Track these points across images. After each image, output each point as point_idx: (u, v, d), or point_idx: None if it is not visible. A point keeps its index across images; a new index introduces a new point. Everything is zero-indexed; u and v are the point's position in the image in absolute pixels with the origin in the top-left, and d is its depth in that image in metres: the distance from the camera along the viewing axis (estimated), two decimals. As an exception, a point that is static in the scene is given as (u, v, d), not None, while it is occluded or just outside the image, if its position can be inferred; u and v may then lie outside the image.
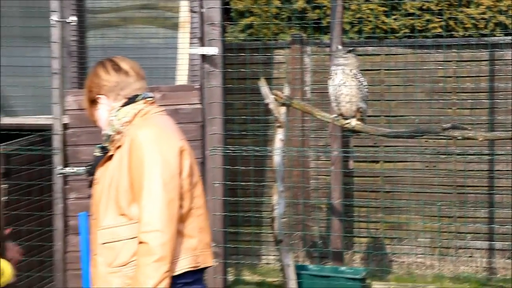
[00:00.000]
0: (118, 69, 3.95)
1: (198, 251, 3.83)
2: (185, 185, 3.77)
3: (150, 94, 3.99)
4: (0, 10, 8.96)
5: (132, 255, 3.71)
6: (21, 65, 9.36)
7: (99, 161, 3.90)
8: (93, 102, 4.00)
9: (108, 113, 3.93)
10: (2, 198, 8.00)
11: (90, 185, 3.97)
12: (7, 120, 9.08)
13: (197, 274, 3.85)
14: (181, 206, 3.74)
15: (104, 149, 3.90)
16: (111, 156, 3.85)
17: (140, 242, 3.64)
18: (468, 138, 7.69)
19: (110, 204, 3.79)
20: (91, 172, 3.97)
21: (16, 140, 8.51)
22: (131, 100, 3.91)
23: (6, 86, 9.84)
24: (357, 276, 9.38)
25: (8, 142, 8.37)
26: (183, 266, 3.75)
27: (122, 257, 3.74)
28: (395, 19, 11.23)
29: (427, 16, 11.15)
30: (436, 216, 10.37)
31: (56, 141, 6.87)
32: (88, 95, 4.03)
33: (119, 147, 3.82)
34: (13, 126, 8.66)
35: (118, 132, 3.83)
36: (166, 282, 3.64)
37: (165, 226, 3.64)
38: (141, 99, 3.92)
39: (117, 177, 3.78)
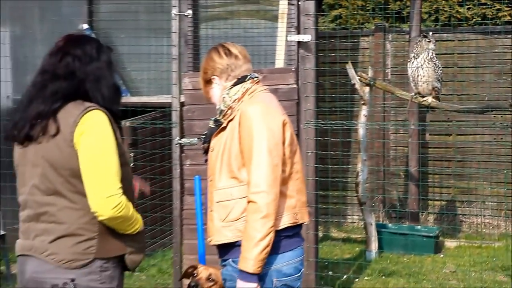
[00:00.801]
0: (229, 53, 3.99)
1: (296, 209, 3.86)
2: (286, 153, 3.81)
3: (256, 75, 4.01)
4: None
5: (242, 212, 3.77)
6: (146, 53, 9.55)
7: (213, 132, 3.96)
8: (207, 82, 4.05)
9: (220, 92, 3.96)
10: (131, 164, 8.20)
11: (205, 152, 4.03)
12: (133, 99, 9.32)
13: (296, 228, 3.89)
14: (283, 171, 3.77)
15: (218, 122, 3.93)
16: (224, 128, 3.89)
17: (249, 201, 3.70)
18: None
19: (223, 168, 3.85)
20: (205, 141, 4.04)
21: (141, 115, 8.72)
22: (240, 80, 3.93)
23: (133, 70, 10.04)
24: (431, 234, 9.35)
25: (134, 117, 8.57)
26: (284, 222, 3.79)
27: (234, 214, 3.81)
28: (468, 8, 11.08)
29: (498, 6, 10.96)
30: (502, 182, 10.25)
31: (174, 116, 6.96)
32: (203, 76, 4.06)
33: (230, 120, 3.86)
34: (138, 104, 8.88)
35: (230, 108, 3.87)
36: (271, 235, 3.69)
37: (270, 187, 3.69)
38: (249, 79, 3.94)
39: (229, 145, 3.83)
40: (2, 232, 7.87)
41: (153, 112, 8.84)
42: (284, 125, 3.80)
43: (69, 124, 3.46)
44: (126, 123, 8.28)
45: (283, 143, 3.79)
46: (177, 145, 6.94)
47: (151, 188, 7.86)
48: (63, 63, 3.58)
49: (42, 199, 3.54)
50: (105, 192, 3.43)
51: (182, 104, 6.95)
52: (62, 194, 3.51)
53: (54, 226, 3.52)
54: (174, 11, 6.94)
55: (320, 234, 9.07)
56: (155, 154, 8.34)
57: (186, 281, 4.67)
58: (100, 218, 3.46)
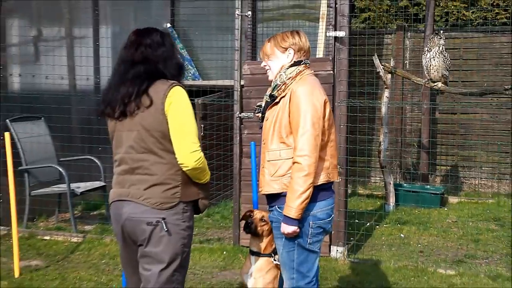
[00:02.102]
0: (297, 34, 4.02)
1: (330, 170, 3.87)
2: (325, 125, 3.82)
3: (308, 61, 3.99)
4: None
5: (287, 170, 3.78)
6: (215, 46, 9.60)
7: (268, 105, 3.95)
8: (267, 55, 4.01)
9: (279, 68, 3.94)
10: (201, 133, 8.24)
11: (262, 120, 4.03)
12: (204, 83, 9.45)
13: (328, 184, 3.89)
14: (322, 139, 3.77)
15: (272, 97, 3.92)
16: (277, 102, 3.88)
17: (295, 162, 3.72)
18: (523, 96, 7.65)
19: (275, 134, 3.85)
20: (261, 112, 4.02)
21: (210, 95, 8.78)
22: (296, 63, 3.93)
23: (204, 60, 10.10)
24: (438, 192, 9.31)
25: (205, 96, 8.63)
26: (320, 180, 3.80)
27: (281, 171, 3.81)
28: (472, 12, 10.97)
29: (496, 10, 10.82)
30: (496, 152, 10.23)
31: (236, 96, 6.97)
32: (282, 43, 3.96)
33: (283, 97, 3.85)
34: (208, 86, 8.95)
35: (284, 83, 3.86)
36: (311, 190, 3.71)
37: (312, 152, 3.70)
38: (303, 64, 3.94)
39: (281, 117, 3.82)
40: (103, 184, 8.00)
41: (219, 92, 8.89)
42: (325, 103, 3.84)
43: (160, 97, 3.58)
44: (198, 100, 8.35)
45: (323, 117, 3.81)
46: (237, 118, 6.96)
47: (217, 151, 7.96)
48: (138, 52, 3.71)
49: (137, 156, 3.65)
50: (190, 148, 3.58)
51: (241, 86, 6.97)
52: (154, 152, 3.62)
53: (147, 177, 3.63)
54: (237, 12, 6.93)
55: (349, 191, 9.06)
56: (220, 125, 8.38)
57: (243, 223, 4.71)
58: (185, 169, 3.60)
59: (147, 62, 3.67)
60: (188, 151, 3.56)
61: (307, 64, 3.97)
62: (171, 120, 3.57)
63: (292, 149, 3.76)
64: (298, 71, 3.89)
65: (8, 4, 8.12)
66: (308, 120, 3.71)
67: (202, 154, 3.61)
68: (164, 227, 3.57)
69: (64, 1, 9.27)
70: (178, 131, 3.57)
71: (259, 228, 4.54)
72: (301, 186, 3.67)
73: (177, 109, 3.58)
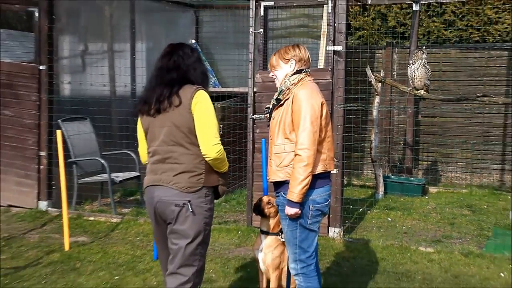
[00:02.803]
0: (297, 47, 4.04)
1: (326, 161, 3.87)
2: (322, 124, 3.82)
3: (308, 70, 4.00)
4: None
5: (290, 161, 3.79)
6: (232, 59, 9.60)
7: (275, 107, 3.97)
8: (273, 66, 4.03)
9: (283, 77, 3.96)
10: (220, 132, 8.25)
11: (269, 119, 4.05)
12: (223, 89, 9.44)
13: (325, 174, 3.89)
14: (319, 135, 3.78)
15: (278, 100, 3.94)
16: (282, 104, 3.90)
17: (296, 154, 3.73)
18: (492, 102, 7.54)
19: (280, 131, 3.87)
20: (269, 113, 4.04)
21: (228, 100, 8.78)
22: (298, 71, 3.94)
23: (223, 71, 10.12)
24: (420, 183, 9.28)
25: (224, 101, 8.64)
26: (318, 169, 3.81)
27: (285, 162, 3.82)
28: (450, 31, 10.89)
29: (470, 30, 10.77)
30: (469, 149, 10.17)
31: (249, 100, 6.99)
32: (284, 55, 3.99)
33: (287, 99, 3.87)
34: (226, 92, 8.98)
35: (288, 89, 3.88)
36: (310, 178, 3.72)
37: (310, 146, 3.71)
38: (304, 72, 3.95)
39: (285, 116, 3.84)
40: (138, 174, 8.05)
41: (235, 98, 8.90)
42: (322, 105, 3.84)
43: (187, 98, 3.66)
44: (218, 104, 8.35)
45: (321, 117, 3.82)
46: (251, 119, 6.98)
47: (234, 147, 7.99)
48: (171, 61, 3.79)
49: (167, 148, 3.71)
50: (212, 142, 3.64)
51: (254, 92, 6.98)
52: (182, 144, 3.68)
53: (176, 166, 3.69)
54: (251, 29, 6.95)
55: (345, 181, 9.00)
56: (236, 125, 8.38)
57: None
58: (207, 159, 3.66)
59: (178, 69, 3.74)
60: (211, 144, 3.61)
61: (307, 72, 3.99)
62: (196, 118, 3.63)
63: (294, 143, 3.77)
64: (300, 78, 3.90)
65: (60, 24, 8.17)
66: (308, 119, 3.72)
67: (222, 146, 3.67)
68: (190, 208, 3.62)
69: (106, 21, 9.32)
70: (202, 127, 3.62)
71: (266, 210, 4.57)
72: (301, 174, 3.69)
73: (201, 108, 3.63)
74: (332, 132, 4.04)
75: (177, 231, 3.67)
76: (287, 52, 3.99)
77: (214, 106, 3.78)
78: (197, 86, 3.71)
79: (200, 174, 3.66)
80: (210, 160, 3.64)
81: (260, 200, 4.67)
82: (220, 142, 3.66)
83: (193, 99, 3.63)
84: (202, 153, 3.63)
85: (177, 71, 3.73)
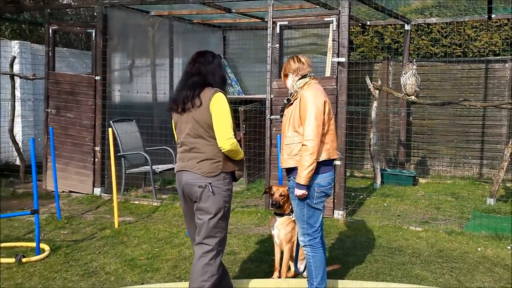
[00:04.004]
0: (299, 60, 3.99)
1: (329, 150, 3.85)
2: (325, 118, 3.79)
3: (313, 74, 3.98)
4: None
5: (299, 150, 3.78)
6: (253, 71, 9.60)
7: (286, 105, 3.96)
8: (285, 76, 4.03)
9: (291, 82, 3.95)
10: (243, 131, 8.24)
11: (281, 116, 4.04)
12: (246, 96, 9.38)
13: (329, 161, 3.86)
14: (322, 129, 3.76)
15: (289, 100, 3.93)
16: (291, 103, 3.89)
17: (303, 145, 3.72)
18: (472, 105, 7.46)
19: (290, 125, 3.86)
20: (282, 111, 4.03)
21: (249, 104, 8.76)
22: (304, 76, 3.92)
23: (245, 81, 10.11)
24: (411, 175, 9.20)
25: (246, 105, 8.62)
26: (322, 157, 3.79)
27: (295, 151, 3.81)
28: (436, 47, 10.79)
29: (454, 46, 10.66)
30: (453, 147, 10.05)
31: (267, 104, 6.97)
32: (284, 72, 4.04)
33: (295, 99, 3.86)
34: (248, 98, 8.95)
35: (296, 92, 3.87)
36: (314, 164, 3.70)
37: (314, 137, 3.69)
38: (308, 76, 3.93)
39: (294, 113, 3.83)
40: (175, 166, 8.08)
41: (256, 102, 8.89)
42: (324, 103, 3.80)
43: (207, 100, 3.63)
44: (241, 108, 8.36)
45: (324, 113, 3.77)
46: (269, 119, 6.96)
47: (254, 143, 7.97)
48: (195, 67, 3.78)
49: (192, 140, 3.70)
50: (226, 136, 3.61)
51: (271, 98, 6.96)
52: (203, 137, 3.66)
53: (199, 154, 3.68)
54: (269, 45, 6.94)
55: (348, 173, 9.00)
56: (256, 125, 8.35)
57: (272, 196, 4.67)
58: (223, 150, 3.63)
59: (199, 74, 3.73)
60: (225, 138, 3.60)
61: (312, 76, 3.96)
62: (213, 116, 3.62)
63: (301, 135, 3.75)
64: (305, 82, 3.88)
65: (112, 43, 8.25)
66: (312, 115, 3.70)
67: (235, 140, 3.65)
68: (210, 189, 3.63)
69: (149, 40, 9.39)
70: (218, 124, 3.62)
71: (281, 202, 4.52)
72: (307, 161, 3.68)
73: (218, 109, 3.62)
74: (335, 126, 4.01)
75: (201, 208, 3.69)
76: (285, 69, 4.03)
77: (238, 110, 3.78)
78: (216, 89, 3.69)
79: (218, 162, 3.66)
80: (225, 151, 3.64)
81: (271, 191, 4.58)
82: (233, 136, 3.64)
83: (211, 100, 3.62)
84: (218, 145, 3.63)
85: (198, 76, 3.72)
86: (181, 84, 3.80)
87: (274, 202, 4.50)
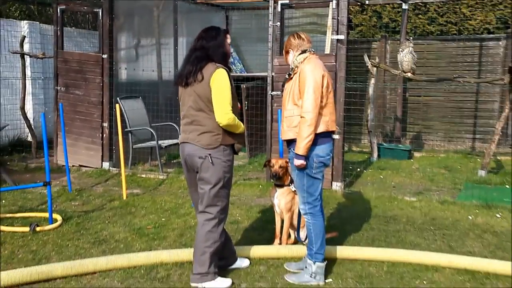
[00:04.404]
0: (299, 37, 3.97)
1: (328, 122, 3.84)
2: (324, 92, 3.78)
3: (313, 50, 3.96)
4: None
5: (298, 123, 3.77)
6: (255, 49, 9.55)
7: (286, 80, 3.95)
8: (287, 52, 4.01)
9: (292, 57, 3.94)
10: (245, 107, 8.23)
11: (282, 90, 4.03)
12: (248, 74, 9.34)
13: (327, 133, 3.85)
14: (321, 102, 3.75)
15: (289, 75, 3.92)
16: (291, 77, 3.88)
17: (302, 117, 3.71)
18: (466, 81, 7.44)
19: (290, 99, 3.85)
20: (283, 85, 4.02)
21: (252, 82, 8.73)
22: (303, 51, 3.90)
23: (248, 59, 10.06)
24: (407, 149, 9.22)
25: (248, 83, 8.59)
26: (321, 129, 3.78)
27: (294, 123, 3.81)
28: (432, 26, 10.72)
29: (449, 25, 10.58)
30: (447, 122, 10.07)
31: (269, 80, 6.95)
32: (285, 49, 4.02)
33: (295, 73, 3.85)
34: (250, 76, 8.91)
35: (296, 66, 3.85)
36: (312, 135, 3.71)
37: (312, 109, 3.69)
38: (308, 51, 3.91)
39: (293, 87, 3.82)
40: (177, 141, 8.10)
41: (258, 80, 8.87)
42: (323, 77, 3.78)
43: (208, 75, 3.64)
44: (243, 85, 8.34)
45: (322, 86, 3.76)
46: (270, 95, 6.96)
47: (258, 118, 7.95)
48: (199, 42, 3.76)
49: (194, 113, 3.72)
50: (224, 110, 3.62)
51: (272, 75, 6.94)
52: (204, 111, 3.68)
53: (200, 127, 3.70)
54: (270, 23, 6.89)
55: (346, 148, 9.03)
56: (258, 101, 8.33)
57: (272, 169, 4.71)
58: (220, 124, 3.65)
59: (202, 49, 3.72)
60: (223, 113, 3.60)
61: (312, 51, 3.95)
62: (213, 91, 3.62)
63: (300, 108, 3.75)
64: (305, 57, 3.86)
65: (118, 22, 8.20)
66: (311, 88, 3.69)
67: (232, 115, 3.64)
68: (210, 160, 3.65)
69: (154, 19, 9.32)
70: (217, 99, 3.61)
71: (281, 174, 4.55)
72: (305, 133, 3.68)
73: (217, 84, 3.62)
74: (333, 99, 3.98)
75: (202, 178, 3.72)
76: (286, 46, 4.00)
77: (240, 87, 3.78)
78: (219, 65, 3.68)
79: (218, 135, 3.67)
80: (222, 125, 3.64)
81: (270, 164, 4.62)
82: (231, 111, 3.63)
83: (212, 75, 3.61)
84: (216, 120, 3.63)
85: (201, 51, 3.72)
86: (185, 59, 3.80)
87: (274, 174, 4.54)
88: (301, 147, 3.70)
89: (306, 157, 3.75)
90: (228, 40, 3.86)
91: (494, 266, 4.03)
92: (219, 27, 3.89)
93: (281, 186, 4.60)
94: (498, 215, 5.58)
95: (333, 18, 6.65)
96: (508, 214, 5.61)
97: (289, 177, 4.53)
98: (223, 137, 3.69)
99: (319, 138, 3.77)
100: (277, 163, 4.57)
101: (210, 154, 3.66)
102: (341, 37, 6.47)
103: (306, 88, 3.70)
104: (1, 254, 4.40)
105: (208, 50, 3.72)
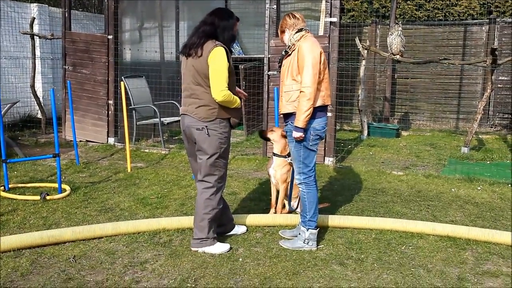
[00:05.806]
0: (294, 16, 3.90)
1: (324, 97, 3.80)
2: (321, 68, 3.74)
3: (308, 28, 3.91)
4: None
5: (297, 97, 3.73)
6: (252, 33, 9.44)
7: (284, 57, 3.90)
8: (282, 32, 3.96)
9: (288, 36, 3.88)
10: (243, 87, 8.13)
11: (279, 67, 3.98)
12: (246, 56, 9.23)
13: (323, 107, 3.81)
14: (318, 77, 3.71)
15: (286, 52, 3.87)
16: (289, 54, 3.83)
17: (301, 91, 3.67)
18: (451, 63, 7.37)
19: (288, 75, 3.80)
20: (279, 62, 3.97)
21: (249, 63, 8.65)
22: (299, 30, 3.84)
23: (245, 42, 9.93)
24: (395, 128, 9.20)
25: (247, 63, 8.51)
26: (318, 103, 3.74)
27: (293, 97, 3.77)
28: (420, 12, 10.61)
29: (436, 11, 10.48)
30: (433, 103, 10.04)
31: (265, 60, 6.88)
32: (280, 29, 3.96)
33: (293, 50, 3.79)
34: (248, 58, 8.81)
35: (293, 44, 3.80)
36: (311, 109, 3.67)
37: (311, 84, 3.64)
38: (304, 30, 3.86)
39: (292, 63, 3.77)
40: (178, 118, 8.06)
41: (255, 61, 8.79)
42: (320, 53, 3.74)
43: (207, 51, 3.58)
44: (241, 66, 8.28)
45: (320, 62, 3.72)
46: (266, 75, 6.90)
47: (255, 97, 7.89)
48: (210, 18, 3.67)
49: (193, 87, 3.67)
50: (219, 87, 3.57)
51: (269, 56, 6.87)
52: (202, 85, 3.63)
53: (198, 101, 3.66)
54: (267, 5, 6.80)
55: (338, 127, 9.00)
56: (255, 80, 8.28)
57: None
58: (216, 100, 3.61)
59: (212, 24, 3.65)
60: (218, 89, 3.55)
61: (307, 30, 3.90)
62: (210, 68, 3.56)
63: (299, 83, 3.71)
64: (301, 35, 3.80)
65: (122, 5, 8.08)
66: (310, 64, 3.64)
67: (228, 92, 3.58)
68: (206, 132, 3.62)
69: (157, 3, 9.19)
70: (213, 76, 3.56)
71: (268, 135, 4.60)
72: (305, 106, 3.64)
73: (214, 61, 3.55)
74: (328, 75, 3.94)
75: (200, 149, 3.71)
76: (281, 26, 3.93)
77: (239, 68, 3.71)
78: (218, 43, 3.59)
79: (214, 108, 3.62)
80: (218, 101, 3.59)
81: (264, 133, 4.66)
82: (226, 88, 3.56)
83: (210, 53, 3.54)
84: (212, 96, 3.58)
85: (210, 26, 3.64)
86: (194, 30, 3.72)
87: (261, 132, 4.66)
88: (300, 120, 3.67)
89: (304, 130, 3.73)
90: (236, 28, 3.77)
91: (474, 233, 4.05)
92: (232, 11, 3.81)
93: (278, 155, 4.59)
94: (478, 188, 5.61)
95: (326, 1, 6.57)
96: (487, 187, 5.64)
97: (286, 149, 4.52)
98: (219, 111, 3.65)
99: (316, 112, 3.74)
100: (278, 130, 4.62)
101: (206, 126, 3.63)
102: (334, 19, 6.40)
103: (305, 64, 3.66)
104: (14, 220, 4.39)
105: (218, 28, 3.64)
